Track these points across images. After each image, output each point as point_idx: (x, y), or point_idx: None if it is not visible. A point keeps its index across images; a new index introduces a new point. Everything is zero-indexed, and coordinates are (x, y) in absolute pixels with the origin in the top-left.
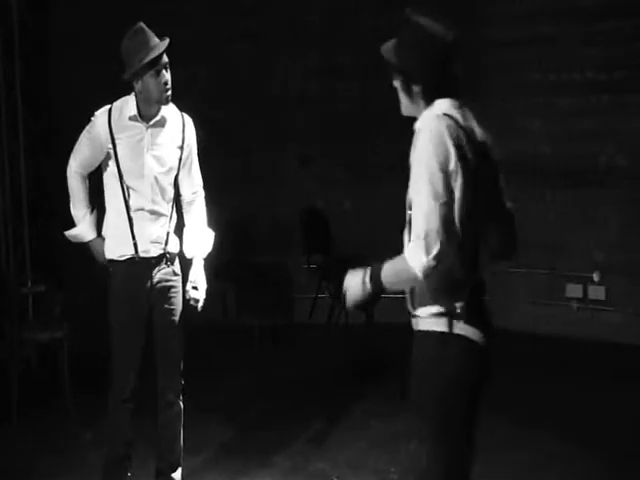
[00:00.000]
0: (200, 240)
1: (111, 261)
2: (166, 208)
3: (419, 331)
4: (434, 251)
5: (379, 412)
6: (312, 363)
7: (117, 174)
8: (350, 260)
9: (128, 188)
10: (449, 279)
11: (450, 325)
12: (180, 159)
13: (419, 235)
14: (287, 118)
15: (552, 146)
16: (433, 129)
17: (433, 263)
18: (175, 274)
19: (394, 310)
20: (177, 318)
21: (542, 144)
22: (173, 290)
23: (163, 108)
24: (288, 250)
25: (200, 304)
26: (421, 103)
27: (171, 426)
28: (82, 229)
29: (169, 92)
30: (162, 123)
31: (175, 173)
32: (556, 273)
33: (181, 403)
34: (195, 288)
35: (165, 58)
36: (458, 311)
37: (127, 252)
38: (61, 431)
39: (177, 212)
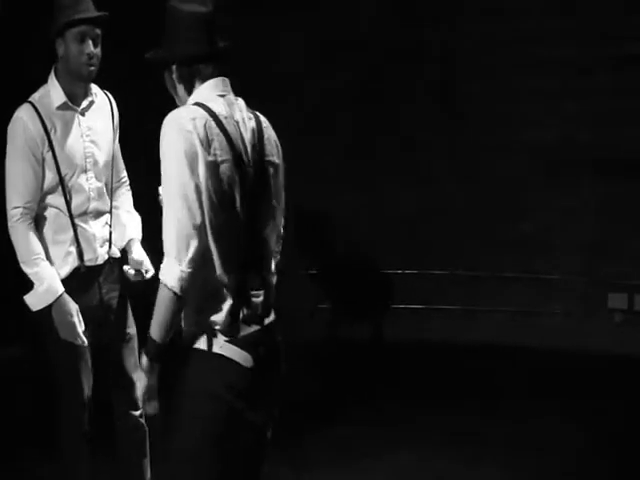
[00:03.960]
0: (134, 222)
1: None
2: (107, 203)
3: (187, 347)
4: (186, 259)
5: (389, 439)
6: (310, 384)
7: (57, 176)
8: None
9: (69, 189)
10: (206, 291)
11: (209, 343)
12: (113, 143)
13: (169, 246)
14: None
15: (592, 130)
16: (173, 123)
17: (188, 272)
18: (121, 281)
19: (407, 325)
20: (132, 331)
21: (580, 128)
22: (122, 301)
23: (92, 88)
24: (283, 252)
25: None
26: (181, 90)
27: (137, 452)
28: (49, 284)
29: (92, 67)
30: (93, 105)
31: (111, 160)
32: (596, 280)
33: (145, 425)
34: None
35: (97, 30)
36: (218, 327)
37: (71, 264)
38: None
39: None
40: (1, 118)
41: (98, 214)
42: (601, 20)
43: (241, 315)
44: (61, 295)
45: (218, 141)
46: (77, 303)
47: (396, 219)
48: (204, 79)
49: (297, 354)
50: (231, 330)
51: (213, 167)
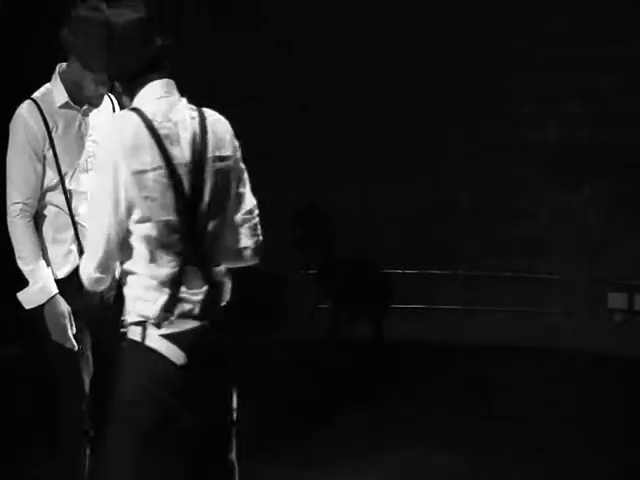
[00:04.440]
0: None
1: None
2: None
3: (123, 335)
4: (95, 264)
5: (389, 439)
6: (310, 384)
7: (57, 175)
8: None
9: (70, 188)
10: (141, 282)
11: (143, 335)
12: None
13: (86, 245)
14: None
15: (592, 131)
16: (110, 129)
17: (96, 276)
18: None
19: (407, 325)
20: None
21: (580, 128)
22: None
23: None
24: (282, 253)
25: None
26: (127, 102)
27: None
28: (44, 284)
29: (102, 96)
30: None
31: None
32: (596, 280)
33: None
34: None
35: None
36: (152, 321)
37: (72, 263)
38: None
39: None
40: (1, 118)
41: None
42: (601, 20)
43: (177, 311)
44: (54, 296)
45: (149, 148)
46: (78, 302)
47: (396, 219)
48: (145, 84)
49: (297, 354)
50: (164, 325)
51: (142, 175)
